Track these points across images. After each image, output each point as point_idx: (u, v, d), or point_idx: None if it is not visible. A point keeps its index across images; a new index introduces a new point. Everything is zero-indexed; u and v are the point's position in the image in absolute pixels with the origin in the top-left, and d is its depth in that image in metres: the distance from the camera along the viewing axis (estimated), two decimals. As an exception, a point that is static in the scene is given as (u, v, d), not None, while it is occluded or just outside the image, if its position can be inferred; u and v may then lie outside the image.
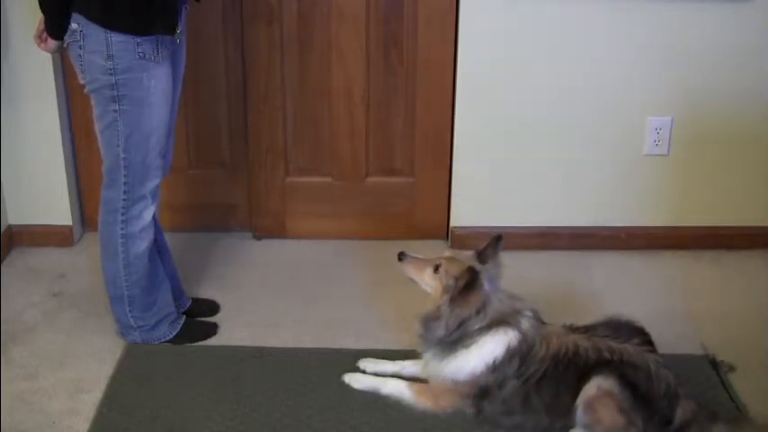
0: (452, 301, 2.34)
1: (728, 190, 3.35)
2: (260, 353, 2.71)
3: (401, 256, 2.47)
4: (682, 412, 2.24)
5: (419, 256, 2.47)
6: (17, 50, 3.09)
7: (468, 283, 2.31)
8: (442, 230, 3.44)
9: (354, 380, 2.55)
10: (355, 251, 3.36)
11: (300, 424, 2.40)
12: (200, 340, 2.80)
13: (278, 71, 3.24)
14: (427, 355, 2.43)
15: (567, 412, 2.26)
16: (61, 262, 3.27)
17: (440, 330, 2.37)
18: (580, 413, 2.22)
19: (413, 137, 3.34)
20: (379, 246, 3.35)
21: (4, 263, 3.24)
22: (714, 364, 2.65)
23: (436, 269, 2.40)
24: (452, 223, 3.40)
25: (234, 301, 3.01)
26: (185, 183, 3.40)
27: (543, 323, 2.42)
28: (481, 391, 2.36)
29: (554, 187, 3.33)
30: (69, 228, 3.37)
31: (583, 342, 2.32)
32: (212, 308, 2.97)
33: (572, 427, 2.25)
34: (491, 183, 3.32)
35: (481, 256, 2.40)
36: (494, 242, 2.41)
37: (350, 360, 2.62)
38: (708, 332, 2.82)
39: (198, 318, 2.89)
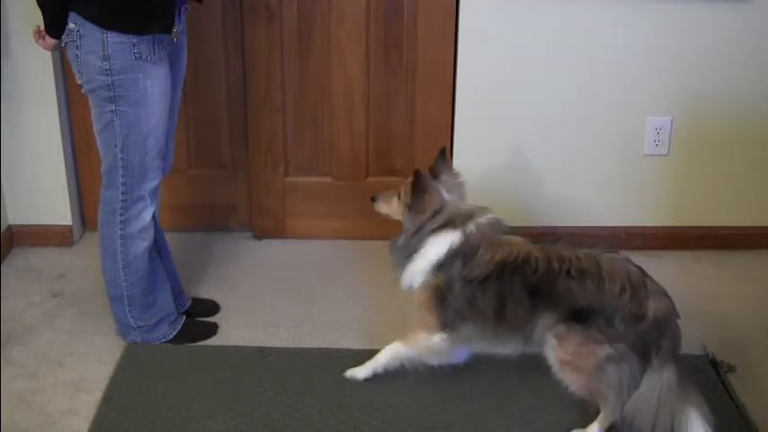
0: (409, 209, 2.43)
1: (728, 190, 3.35)
2: (260, 353, 2.71)
3: (374, 198, 2.58)
4: (654, 305, 2.23)
5: (388, 192, 2.57)
6: (17, 50, 3.09)
7: (414, 182, 2.39)
8: (442, 230, 3.44)
9: (356, 372, 2.56)
10: (355, 251, 3.36)
11: (300, 424, 2.40)
12: (200, 340, 2.80)
13: (278, 71, 3.24)
14: (399, 274, 2.49)
15: (520, 326, 2.31)
16: (61, 262, 3.27)
17: (401, 239, 2.46)
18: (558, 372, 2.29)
19: (413, 137, 3.34)
20: (379, 246, 3.32)
21: (4, 263, 3.24)
22: (714, 364, 2.66)
23: (399, 196, 2.49)
24: (452, 223, 3.40)
25: (234, 301, 3.01)
26: (185, 183, 3.40)
27: (503, 232, 2.43)
28: (437, 298, 2.40)
29: (554, 187, 3.33)
30: (69, 228, 3.37)
31: (536, 252, 2.33)
32: (212, 308, 2.97)
33: (536, 352, 2.32)
34: (491, 182, 3.32)
35: (433, 171, 2.48)
36: (439, 155, 2.50)
37: (350, 360, 2.62)
38: (708, 332, 2.82)
39: (198, 318, 2.89)
